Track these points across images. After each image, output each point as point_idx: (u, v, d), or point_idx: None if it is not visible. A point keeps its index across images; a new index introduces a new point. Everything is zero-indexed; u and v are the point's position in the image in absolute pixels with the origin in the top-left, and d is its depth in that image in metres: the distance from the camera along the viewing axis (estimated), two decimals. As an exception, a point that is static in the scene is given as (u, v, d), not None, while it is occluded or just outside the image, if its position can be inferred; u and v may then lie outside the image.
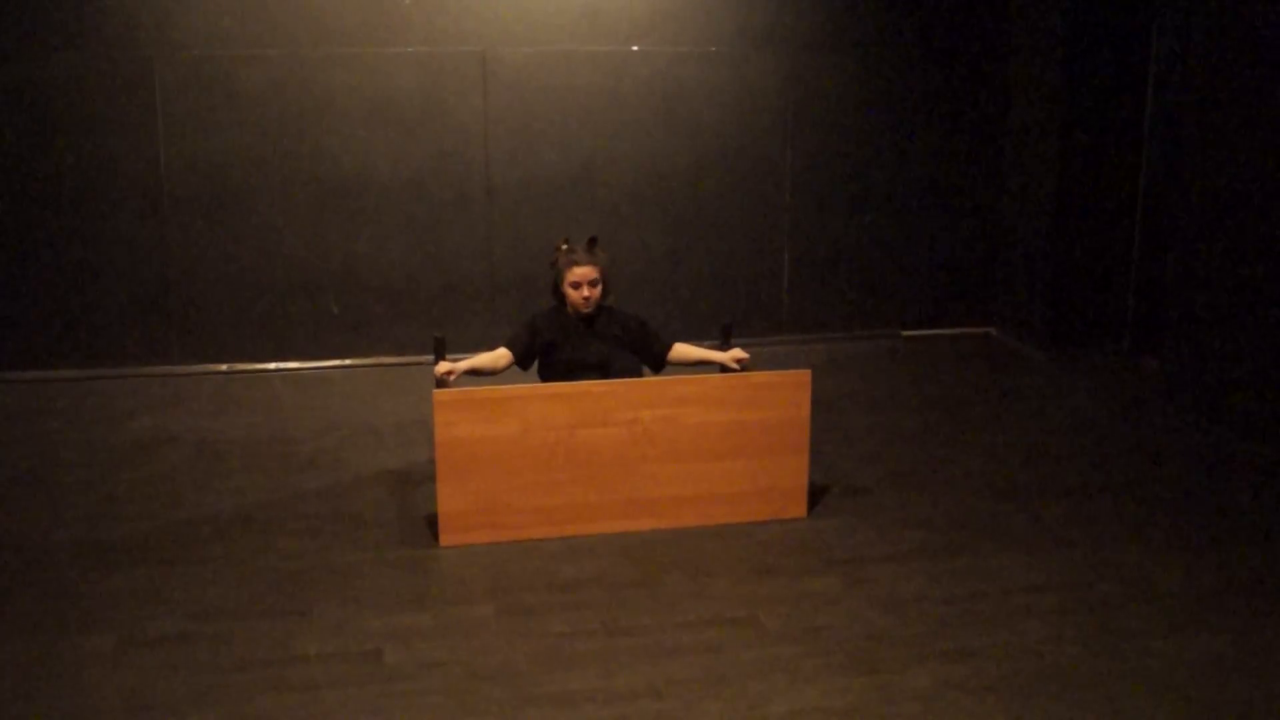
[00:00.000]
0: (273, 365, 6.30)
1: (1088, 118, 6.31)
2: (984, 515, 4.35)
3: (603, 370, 4.47)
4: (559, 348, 4.45)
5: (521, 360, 4.49)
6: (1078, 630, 3.49)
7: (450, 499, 4.07)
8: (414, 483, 4.68)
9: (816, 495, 4.53)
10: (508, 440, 4.07)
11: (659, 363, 4.64)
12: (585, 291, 4.43)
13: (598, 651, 3.37)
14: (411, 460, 4.94)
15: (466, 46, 6.19)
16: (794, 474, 4.29)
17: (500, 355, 4.44)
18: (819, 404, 5.69)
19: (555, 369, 4.52)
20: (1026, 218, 6.66)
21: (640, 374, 4.65)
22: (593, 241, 4.51)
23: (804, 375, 4.29)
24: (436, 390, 4.08)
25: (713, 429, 4.20)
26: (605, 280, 4.48)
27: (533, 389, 4.19)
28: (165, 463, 4.90)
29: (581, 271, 4.42)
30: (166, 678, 3.23)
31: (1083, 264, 6.48)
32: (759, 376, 4.28)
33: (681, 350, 4.62)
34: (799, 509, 4.32)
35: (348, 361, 6.37)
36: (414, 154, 6.22)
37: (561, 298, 4.53)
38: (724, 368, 4.50)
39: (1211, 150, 5.43)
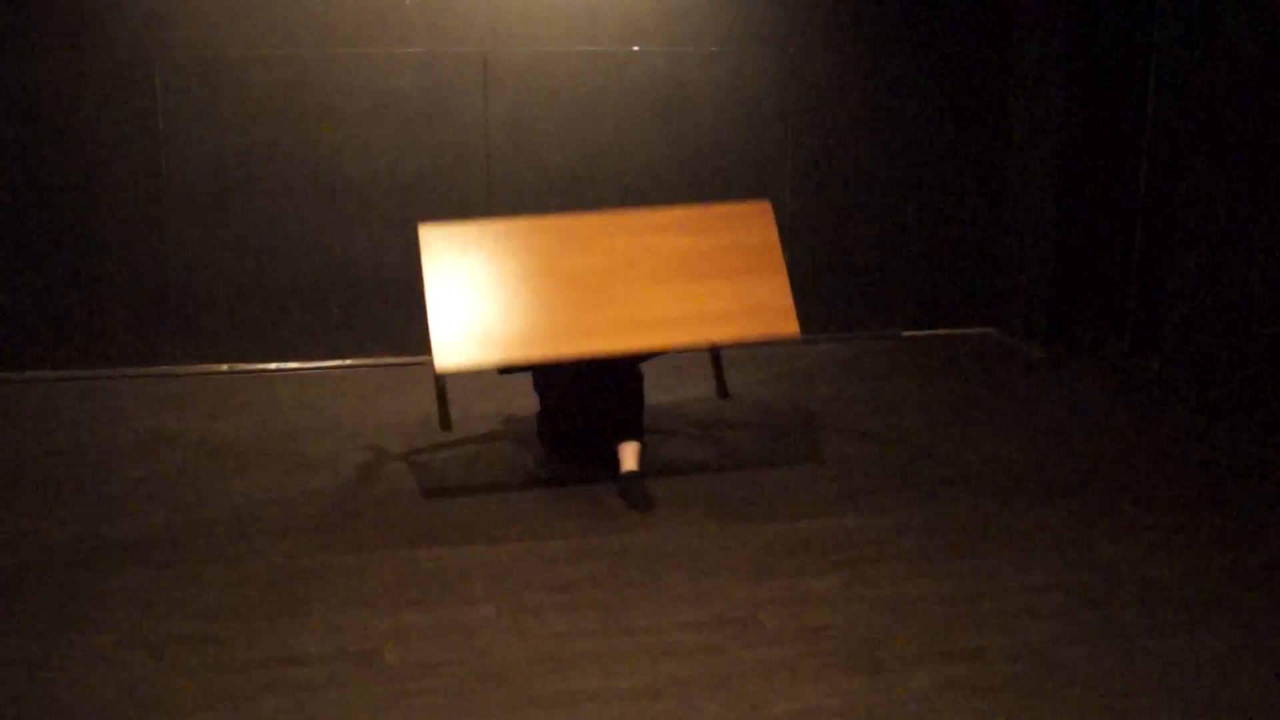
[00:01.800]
0: (273, 365, 6.30)
1: (1088, 118, 6.31)
2: (984, 515, 4.35)
3: (605, 364, 4.64)
4: (559, 391, 4.71)
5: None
6: (1078, 630, 3.49)
7: (441, 325, 4.13)
8: (414, 482, 4.68)
9: (817, 495, 4.54)
10: (494, 267, 4.20)
11: None
12: None
13: (598, 651, 3.37)
14: (412, 460, 4.94)
15: (467, 47, 6.19)
16: (777, 292, 4.35)
17: None
18: (819, 405, 5.70)
19: (556, 372, 4.67)
20: (1027, 218, 6.66)
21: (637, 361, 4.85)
22: None
23: (764, 204, 4.49)
24: (422, 224, 4.29)
25: (689, 253, 4.32)
26: None
27: (510, 222, 4.39)
28: (165, 463, 4.90)
29: None
30: (166, 678, 3.23)
31: (1083, 264, 6.48)
32: (721, 206, 4.53)
33: None
34: (790, 325, 4.37)
35: (348, 361, 6.37)
36: (414, 154, 6.22)
37: None
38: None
39: (1211, 150, 5.43)
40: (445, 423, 4.55)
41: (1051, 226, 6.44)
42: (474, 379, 5.61)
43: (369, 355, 6.40)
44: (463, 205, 6.30)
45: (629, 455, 4.51)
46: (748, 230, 4.41)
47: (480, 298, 4.19)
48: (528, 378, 5.06)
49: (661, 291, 4.29)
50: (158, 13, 5.89)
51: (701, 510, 4.36)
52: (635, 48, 6.35)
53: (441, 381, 4.48)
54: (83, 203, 5.99)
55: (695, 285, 4.30)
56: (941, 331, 7.03)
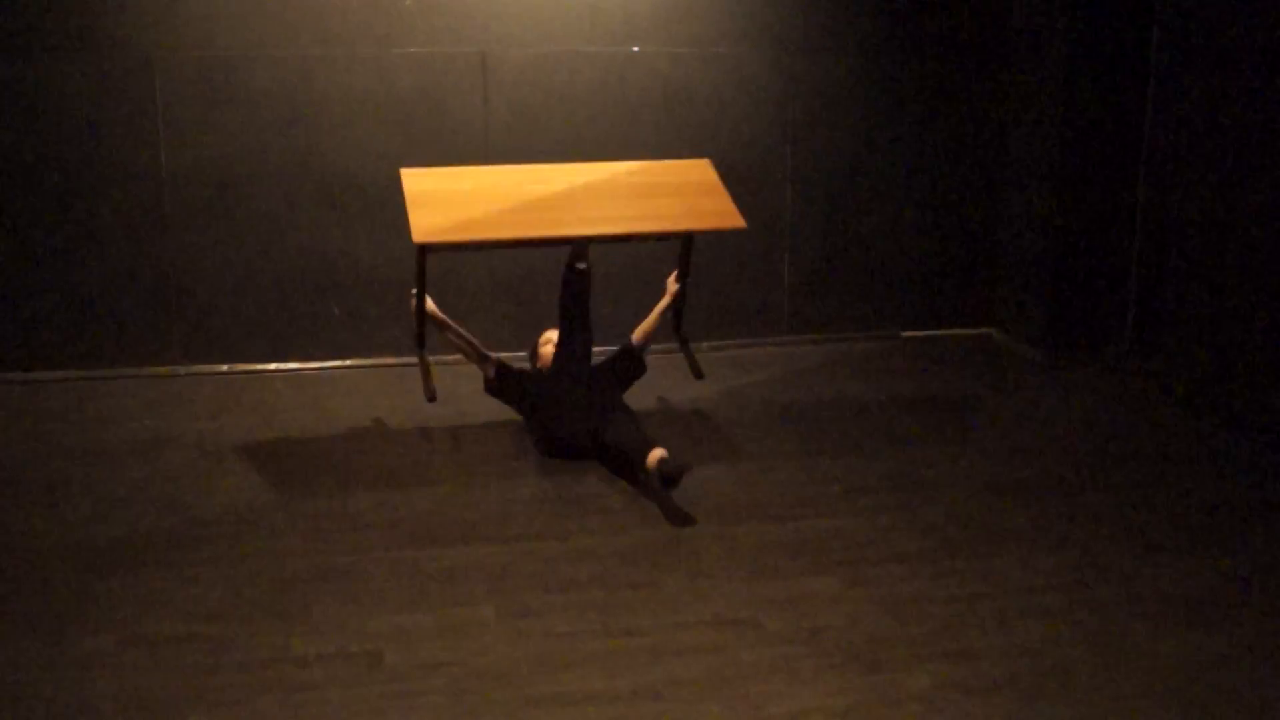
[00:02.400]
0: (273, 365, 6.30)
1: (1088, 118, 6.31)
2: (984, 515, 4.36)
3: (590, 390, 4.95)
4: (545, 399, 4.97)
5: (497, 375, 5.15)
6: (1078, 630, 3.50)
7: (421, 217, 4.64)
8: (414, 483, 4.68)
9: (817, 495, 4.54)
10: (469, 190, 4.90)
11: (634, 354, 5.25)
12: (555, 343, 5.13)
13: (598, 652, 3.37)
14: (411, 460, 4.94)
15: (467, 47, 6.19)
16: (720, 201, 4.97)
17: (486, 356, 5.17)
18: (819, 405, 5.70)
19: (546, 408, 4.95)
20: (1026, 218, 6.66)
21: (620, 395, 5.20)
22: None
23: (703, 161, 5.25)
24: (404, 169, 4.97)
25: (640, 184, 5.06)
26: None
27: (482, 167, 5.30)
28: (165, 463, 4.90)
29: (553, 333, 5.21)
30: (166, 678, 3.23)
31: (1083, 265, 6.48)
32: (663, 162, 5.34)
33: (640, 331, 5.28)
34: (736, 220, 4.89)
35: (348, 361, 6.37)
36: (414, 154, 6.21)
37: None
38: (674, 303, 5.32)
39: (1211, 151, 5.43)
40: (420, 339, 5.15)
41: (1051, 226, 6.44)
42: (473, 382, 5.61)
43: (369, 355, 6.40)
44: (463, 205, 6.31)
45: (656, 452, 4.42)
46: (690, 175, 5.12)
47: (455, 201, 4.79)
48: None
49: (623, 201, 4.94)
50: (158, 13, 5.89)
51: (701, 510, 4.37)
52: (635, 48, 6.35)
53: (421, 260, 4.84)
54: (82, 203, 5.99)
55: (651, 201, 4.96)
56: (941, 331, 7.03)
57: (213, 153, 6.07)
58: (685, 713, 3.07)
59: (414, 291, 5.03)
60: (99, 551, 4.03)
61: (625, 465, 4.68)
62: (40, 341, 6.08)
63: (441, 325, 5.16)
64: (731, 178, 6.57)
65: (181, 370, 6.21)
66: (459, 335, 5.18)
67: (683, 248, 5.28)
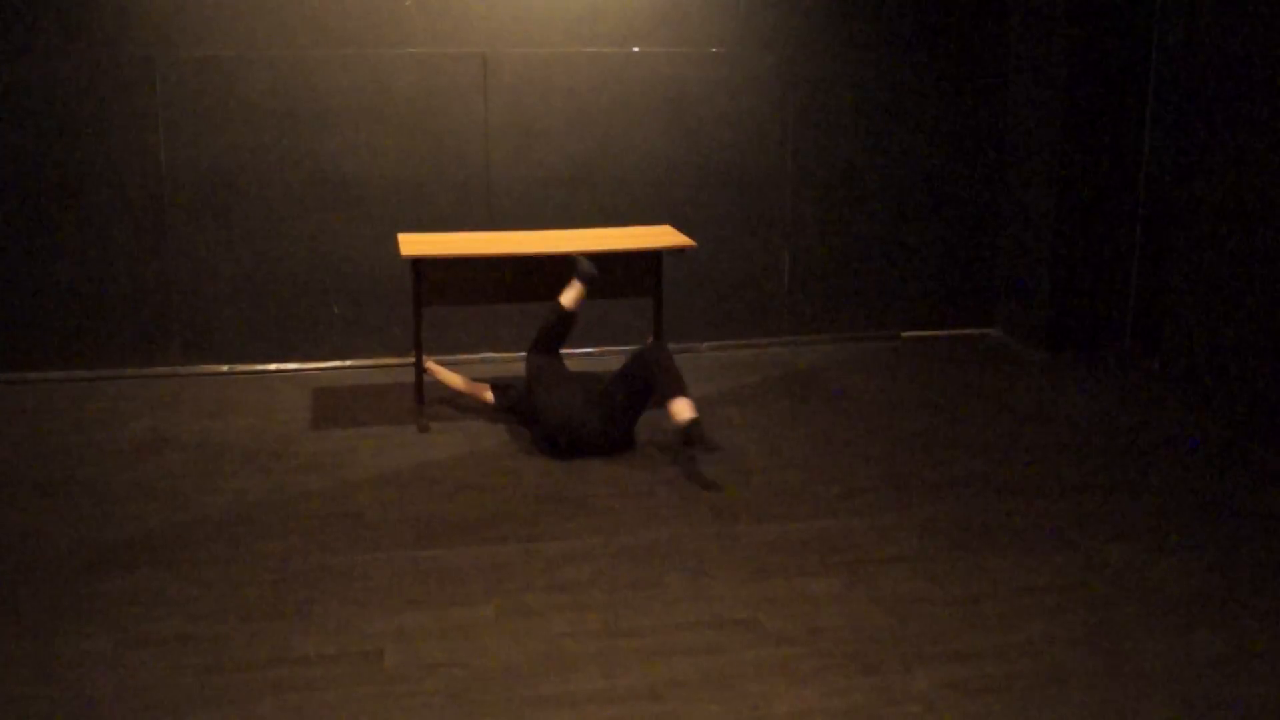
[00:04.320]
0: (273, 365, 6.30)
1: (1088, 117, 6.31)
2: (984, 515, 4.36)
3: (580, 381, 5.12)
4: (540, 390, 5.07)
5: (495, 395, 5.43)
6: (1078, 630, 3.50)
7: (409, 237, 5.57)
8: (414, 483, 4.68)
9: (817, 495, 4.54)
10: (456, 237, 5.72)
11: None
12: None
13: (598, 652, 3.37)
14: (411, 461, 4.94)
15: (467, 47, 6.19)
16: (674, 234, 5.71)
17: (483, 391, 5.45)
18: (820, 405, 5.70)
19: (543, 396, 5.04)
20: (1027, 218, 6.66)
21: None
22: None
23: (664, 227, 5.91)
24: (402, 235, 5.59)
25: (599, 236, 5.73)
26: None
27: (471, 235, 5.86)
28: (165, 463, 4.90)
29: None
30: (166, 678, 3.23)
31: (1083, 265, 6.48)
32: (627, 229, 5.97)
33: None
34: (687, 240, 5.56)
35: (348, 362, 6.37)
36: (414, 154, 6.22)
37: None
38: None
39: (1212, 150, 5.43)
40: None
41: (1051, 226, 6.44)
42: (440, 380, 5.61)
43: (369, 355, 6.40)
44: (462, 205, 6.30)
45: (685, 407, 4.69)
46: (652, 231, 5.82)
47: (443, 240, 5.63)
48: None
49: (593, 243, 5.55)
50: (158, 13, 5.89)
51: (701, 510, 4.37)
52: (635, 49, 6.35)
53: (418, 327, 5.36)
54: (83, 203, 5.99)
55: (619, 241, 5.66)
56: (941, 332, 7.03)
57: (213, 153, 6.07)
58: (685, 713, 3.08)
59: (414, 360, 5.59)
60: (99, 552, 4.03)
61: (635, 395, 4.97)
62: (40, 341, 6.08)
63: (438, 379, 5.56)
64: (731, 178, 6.60)
65: (181, 370, 6.21)
66: (457, 385, 5.52)
67: (655, 312, 5.66)
